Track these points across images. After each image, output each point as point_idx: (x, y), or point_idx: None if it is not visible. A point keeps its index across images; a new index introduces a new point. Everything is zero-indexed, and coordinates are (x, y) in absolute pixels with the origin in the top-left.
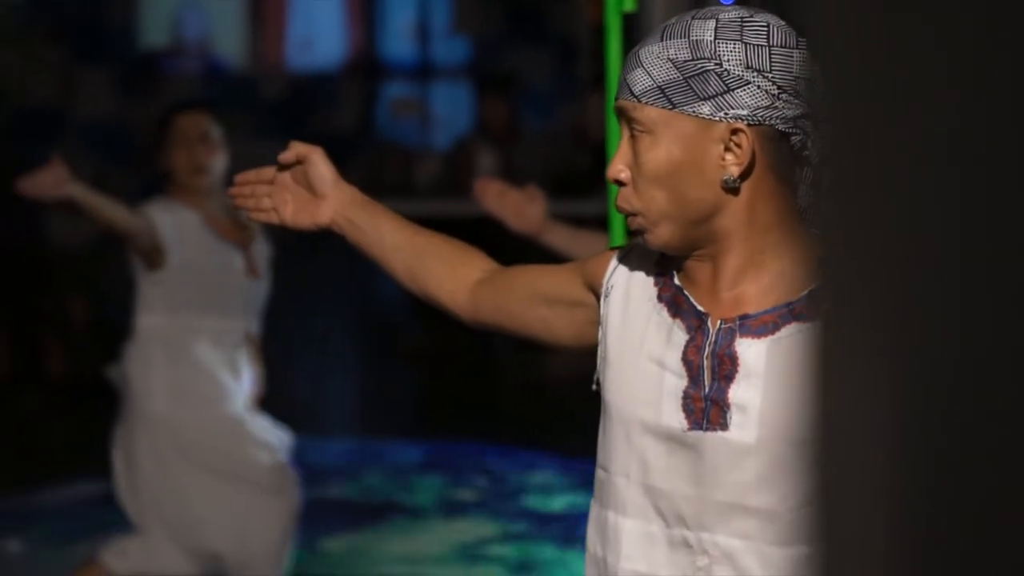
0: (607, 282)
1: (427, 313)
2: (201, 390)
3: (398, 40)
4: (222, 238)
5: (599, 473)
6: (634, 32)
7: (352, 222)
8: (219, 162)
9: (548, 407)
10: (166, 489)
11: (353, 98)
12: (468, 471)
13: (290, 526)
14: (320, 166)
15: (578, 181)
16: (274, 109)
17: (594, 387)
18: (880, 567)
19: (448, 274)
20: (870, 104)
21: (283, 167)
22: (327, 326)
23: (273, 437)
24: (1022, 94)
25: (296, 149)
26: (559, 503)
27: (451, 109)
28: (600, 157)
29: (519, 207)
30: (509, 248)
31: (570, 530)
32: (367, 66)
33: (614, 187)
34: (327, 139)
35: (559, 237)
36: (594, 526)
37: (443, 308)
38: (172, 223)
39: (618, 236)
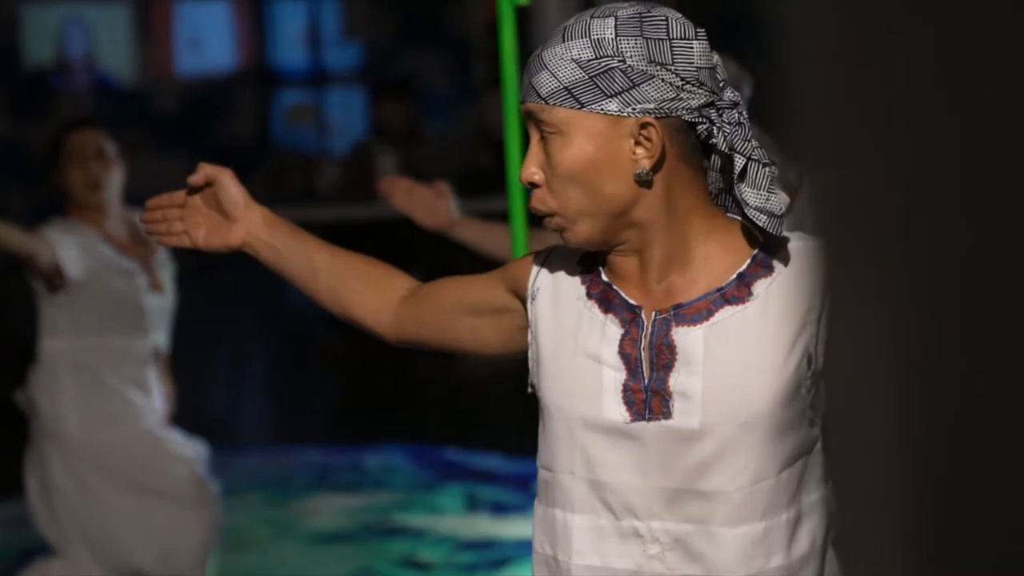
0: (532, 286)
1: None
2: (112, 409)
3: (289, 47)
4: (123, 255)
5: (542, 474)
6: (528, 26)
7: (266, 243)
8: (116, 178)
9: (467, 407)
10: (85, 509)
11: (247, 107)
12: (383, 474)
13: (211, 538)
14: (230, 188)
15: (482, 180)
16: (167, 122)
17: (529, 390)
18: (894, 532)
19: (371, 293)
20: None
21: (193, 190)
22: (242, 337)
23: (189, 451)
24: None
25: (205, 171)
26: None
27: (347, 114)
28: (503, 155)
29: (428, 204)
30: (416, 252)
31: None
32: (259, 75)
33: (518, 187)
34: (223, 150)
35: (470, 232)
36: (541, 526)
37: (364, 327)
38: (72, 243)
39: (520, 236)
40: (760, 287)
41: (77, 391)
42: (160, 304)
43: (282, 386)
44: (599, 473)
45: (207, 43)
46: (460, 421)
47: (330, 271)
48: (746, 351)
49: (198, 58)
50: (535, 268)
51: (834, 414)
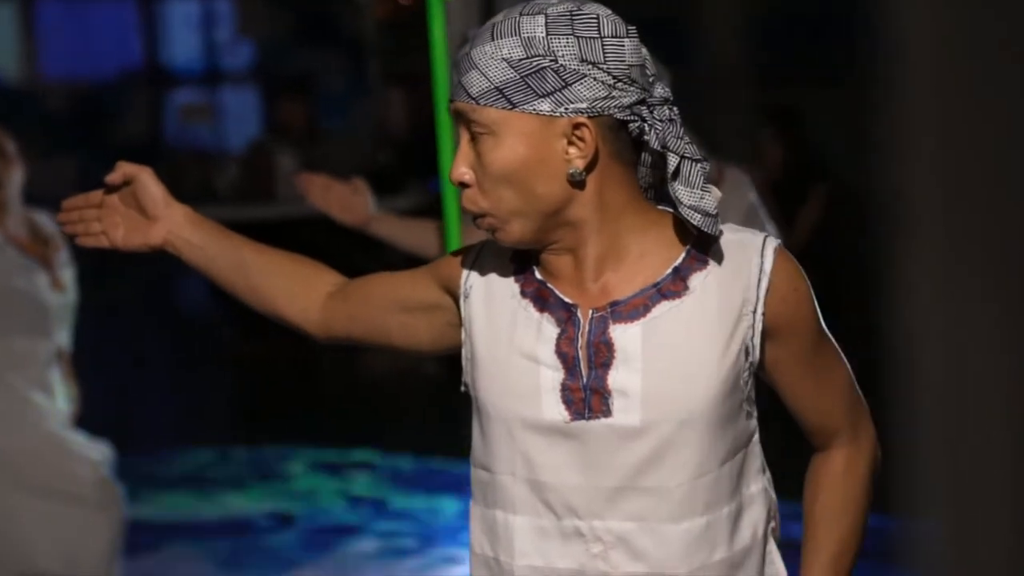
0: (464, 284)
1: (244, 318)
2: (15, 412)
3: (183, 47)
4: (24, 255)
5: (480, 474)
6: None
7: (188, 242)
8: (16, 177)
9: (371, 404)
10: None
11: (140, 107)
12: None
13: (117, 541)
14: (150, 186)
15: (383, 179)
16: (58, 122)
17: (463, 389)
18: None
19: (297, 291)
20: None
21: (111, 189)
22: (142, 337)
23: (94, 452)
24: None
25: (124, 170)
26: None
27: (241, 113)
28: (404, 153)
29: (345, 200)
30: (318, 251)
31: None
32: (152, 74)
33: (451, 185)
34: (115, 150)
35: (387, 228)
36: (480, 527)
37: (292, 325)
38: None
39: (453, 232)
40: (696, 280)
41: None
42: (62, 304)
43: (182, 386)
44: (539, 473)
45: (98, 42)
46: (364, 419)
47: (255, 269)
48: (684, 346)
49: (88, 57)
50: (467, 265)
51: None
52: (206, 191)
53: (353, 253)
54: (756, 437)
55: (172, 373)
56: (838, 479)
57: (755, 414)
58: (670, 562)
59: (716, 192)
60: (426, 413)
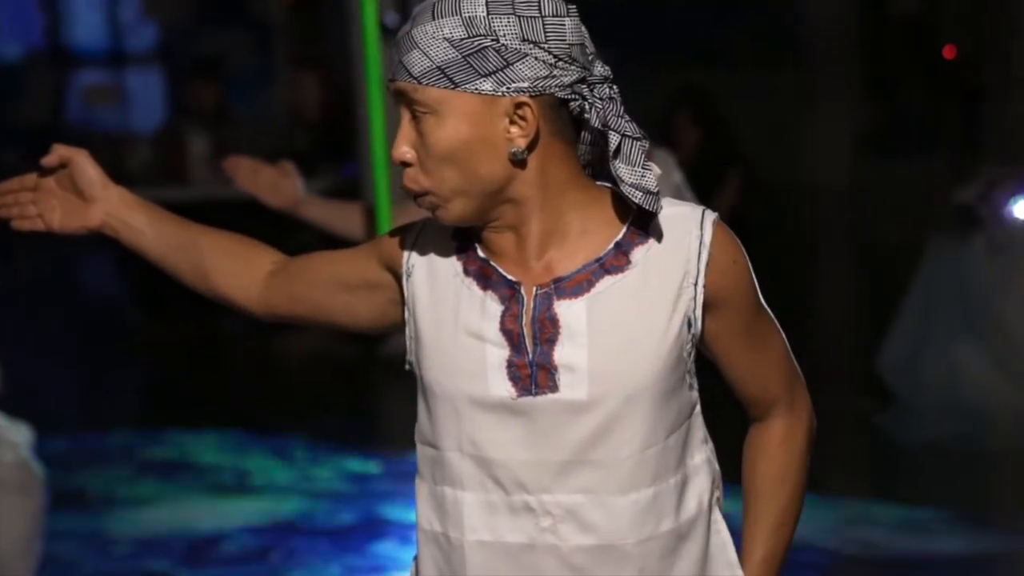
0: (407, 262)
1: (149, 302)
2: None
3: (87, 27)
4: None
5: (427, 451)
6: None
7: (127, 224)
8: None
9: (282, 387)
10: None
11: (43, 88)
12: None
13: (38, 524)
14: (87, 168)
15: (296, 161)
16: None
17: (407, 367)
18: None
19: (238, 270)
20: None
21: (46, 172)
22: (46, 321)
23: (15, 434)
24: None
25: (59, 152)
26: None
27: (146, 95)
28: (316, 136)
29: (273, 183)
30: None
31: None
32: (55, 55)
33: (381, 163)
34: (18, 131)
35: (315, 211)
36: (428, 503)
37: (234, 304)
38: None
39: (384, 213)
40: (638, 254)
41: None
42: None
43: (89, 369)
44: (487, 450)
45: (1, 27)
46: (275, 403)
47: (194, 249)
48: (629, 320)
49: None
50: (408, 244)
51: None
52: (115, 173)
53: (266, 235)
54: (698, 408)
55: (79, 357)
56: (776, 449)
57: (696, 385)
58: (619, 533)
59: (656, 170)
60: (340, 398)
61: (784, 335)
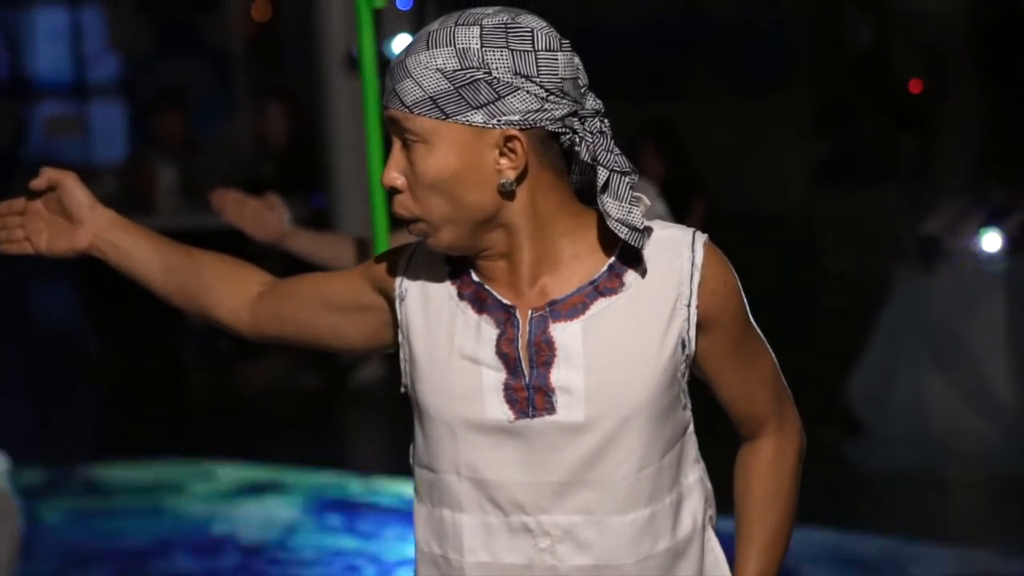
0: (399, 286)
1: (106, 329)
2: None
3: (48, 59)
4: None
5: (424, 474)
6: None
7: (115, 245)
8: None
9: (240, 418)
10: None
11: (3, 119)
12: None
13: (13, 554)
14: (75, 191)
15: (264, 191)
16: None
17: (403, 390)
18: None
19: (227, 291)
20: None
21: (34, 195)
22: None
23: None
24: None
25: (48, 175)
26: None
27: (107, 126)
28: (282, 166)
29: (259, 216)
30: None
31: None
32: (16, 86)
33: (379, 187)
34: None
35: (301, 243)
36: (426, 526)
37: (223, 325)
38: None
39: (381, 238)
40: (631, 277)
41: None
42: None
43: (46, 399)
44: (484, 472)
45: None
46: (235, 432)
47: (183, 270)
48: (624, 341)
49: None
50: (401, 267)
51: None
52: None
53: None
54: (691, 428)
55: (34, 385)
56: (767, 468)
57: (689, 405)
58: (616, 553)
59: (645, 203)
60: (302, 427)
61: (773, 355)
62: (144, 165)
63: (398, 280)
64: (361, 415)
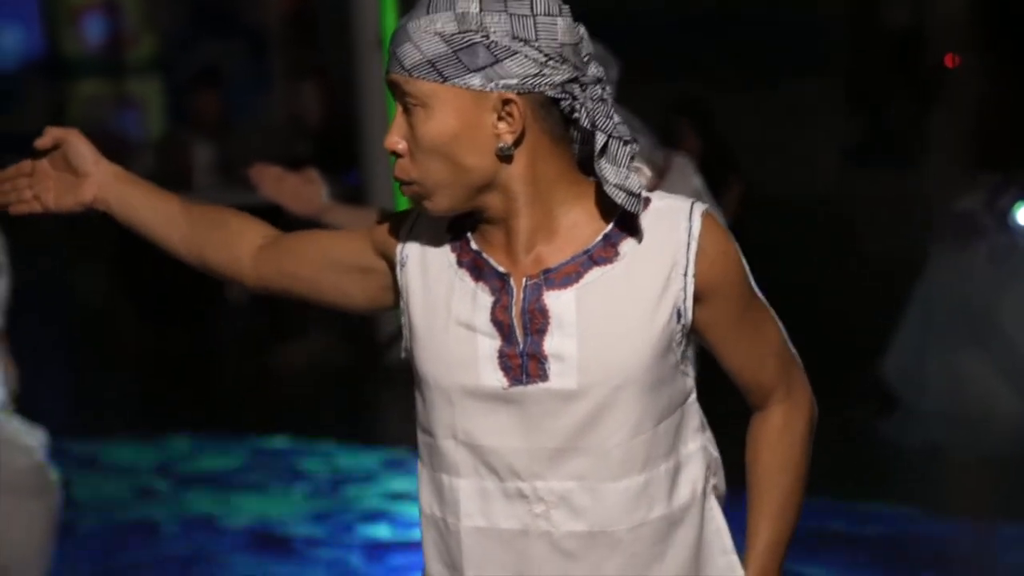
0: (401, 252)
1: (143, 309)
2: None
3: (88, 37)
4: None
5: (424, 438)
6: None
7: (118, 198)
8: None
9: (276, 397)
10: None
11: (44, 97)
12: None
13: (51, 528)
14: (79, 146)
15: (300, 168)
16: None
17: (403, 355)
18: None
19: (230, 240)
20: None
21: (39, 155)
22: (37, 324)
23: (30, 438)
24: None
25: (52, 133)
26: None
27: (144, 103)
28: (319, 142)
29: (297, 191)
30: None
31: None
32: (54, 65)
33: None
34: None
35: (339, 217)
36: (428, 488)
37: (226, 275)
38: None
39: (404, 206)
40: (626, 246)
41: None
42: None
43: (83, 377)
44: (480, 438)
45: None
46: (273, 408)
47: (186, 221)
48: (617, 310)
49: None
50: (403, 233)
51: None
52: None
53: None
54: (693, 397)
55: (71, 362)
56: (776, 438)
57: (692, 374)
58: (610, 519)
59: (644, 171)
60: (339, 403)
61: (780, 324)
62: (181, 143)
63: (400, 246)
64: (394, 391)
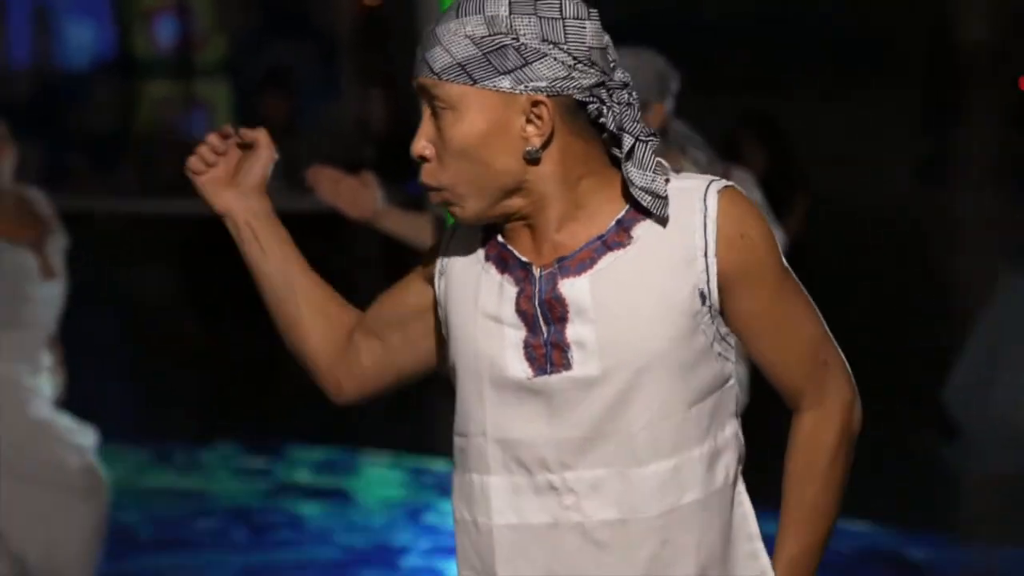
0: (440, 263)
1: (205, 312)
2: (3, 397)
3: (158, 39)
4: (13, 243)
5: (458, 441)
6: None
7: (250, 226)
8: (8, 162)
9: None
10: None
11: (112, 96)
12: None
13: (100, 528)
14: (266, 166)
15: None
16: (29, 109)
17: (442, 369)
18: None
19: (335, 356)
20: None
21: (240, 143)
22: (97, 326)
23: (81, 438)
24: None
25: (261, 136)
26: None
27: (214, 106)
28: (384, 149)
29: (354, 194)
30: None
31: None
32: (124, 65)
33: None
34: (87, 137)
35: (393, 222)
36: (459, 493)
37: (310, 373)
38: None
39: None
40: (639, 230)
41: None
42: (51, 293)
43: (143, 380)
44: (509, 431)
45: (68, 31)
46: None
47: (303, 301)
48: (633, 294)
49: (59, 45)
50: (443, 246)
51: None
52: (184, 180)
53: (331, 249)
54: (732, 381)
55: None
56: (802, 444)
57: (731, 358)
58: (641, 505)
59: (668, 173)
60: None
61: (820, 321)
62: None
63: (439, 262)
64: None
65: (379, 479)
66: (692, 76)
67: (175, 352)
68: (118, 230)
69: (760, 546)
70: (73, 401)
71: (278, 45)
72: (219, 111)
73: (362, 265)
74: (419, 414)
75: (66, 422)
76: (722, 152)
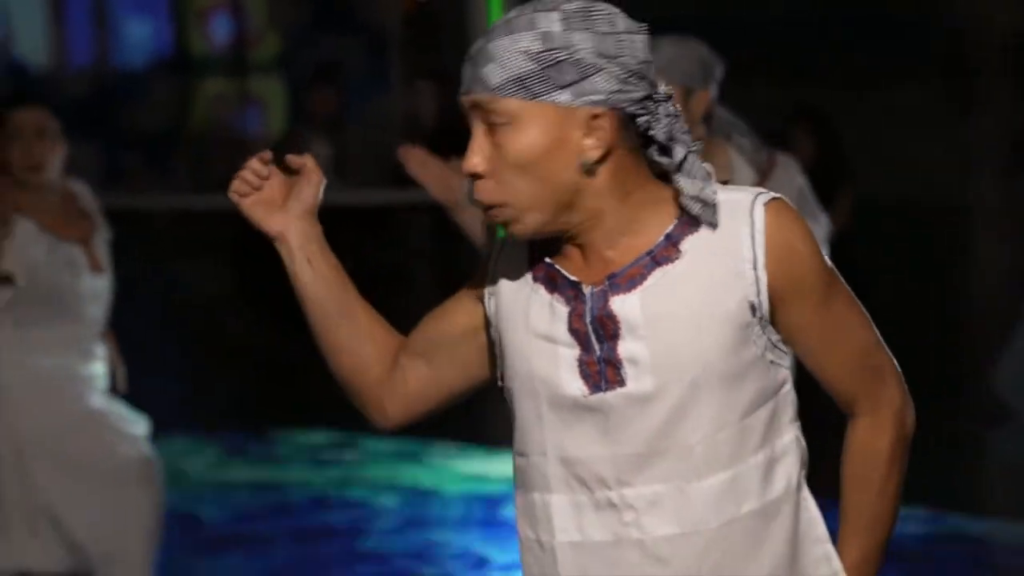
0: (489, 285)
1: (250, 305)
2: (57, 388)
3: (213, 37)
4: (61, 238)
5: (518, 460)
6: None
7: (304, 251)
8: (57, 158)
9: None
10: (26, 486)
11: (168, 94)
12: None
13: (157, 516)
14: (312, 188)
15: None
16: (82, 107)
17: (499, 383)
18: None
19: (385, 385)
20: None
21: (286, 168)
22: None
23: (135, 428)
24: None
25: (308, 163)
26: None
27: (268, 103)
28: (434, 144)
29: (442, 177)
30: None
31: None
32: (179, 62)
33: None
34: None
35: (472, 216)
36: (522, 513)
37: (351, 382)
38: (12, 245)
39: None
40: (688, 244)
41: (21, 374)
42: (99, 286)
43: (193, 372)
44: (568, 449)
45: (126, 29)
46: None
47: (353, 326)
48: (683, 307)
49: (117, 43)
50: (489, 269)
51: None
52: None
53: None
54: (788, 386)
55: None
56: (857, 452)
57: (785, 364)
58: (700, 518)
59: (714, 183)
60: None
61: (872, 328)
62: (298, 140)
63: (487, 281)
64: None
65: (451, 471)
66: (733, 67)
67: (234, 346)
68: (162, 225)
69: (831, 548)
70: (134, 394)
71: (328, 41)
72: (272, 108)
73: (414, 258)
74: (494, 406)
75: (120, 411)
76: (771, 142)
